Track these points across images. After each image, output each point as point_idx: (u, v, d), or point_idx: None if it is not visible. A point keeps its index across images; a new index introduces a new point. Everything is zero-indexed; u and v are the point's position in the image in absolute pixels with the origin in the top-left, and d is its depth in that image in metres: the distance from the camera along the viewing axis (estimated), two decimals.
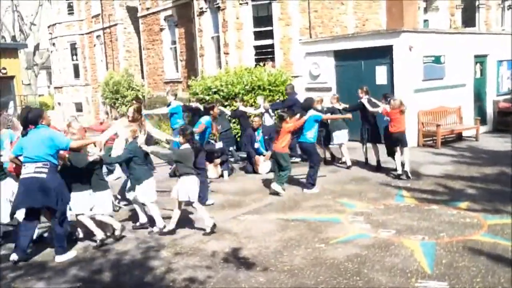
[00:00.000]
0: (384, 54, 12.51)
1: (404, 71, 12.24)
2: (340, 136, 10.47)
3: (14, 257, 5.67)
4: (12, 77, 24.13)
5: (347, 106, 10.49)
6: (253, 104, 12.38)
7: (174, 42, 21.13)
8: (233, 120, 12.35)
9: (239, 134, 12.33)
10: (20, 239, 5.74)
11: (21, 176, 5.72)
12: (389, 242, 5.84)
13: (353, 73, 13.19)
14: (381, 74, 12.71)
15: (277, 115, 9.04)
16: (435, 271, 4.95)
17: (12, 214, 5.93)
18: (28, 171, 5.64)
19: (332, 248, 5.73)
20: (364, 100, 9.89)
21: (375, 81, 12.69)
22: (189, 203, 6.56)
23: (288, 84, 12.40)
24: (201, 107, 11.39)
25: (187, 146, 6.60)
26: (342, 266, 5.20)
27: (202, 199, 7.54)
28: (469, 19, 19.62)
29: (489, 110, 14.80)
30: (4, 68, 23.60)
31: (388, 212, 7.11)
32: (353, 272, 5.01)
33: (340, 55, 13.77)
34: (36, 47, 37.83)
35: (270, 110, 11.31)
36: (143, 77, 23.57)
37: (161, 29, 21.57)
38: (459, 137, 13.22)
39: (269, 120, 11.27)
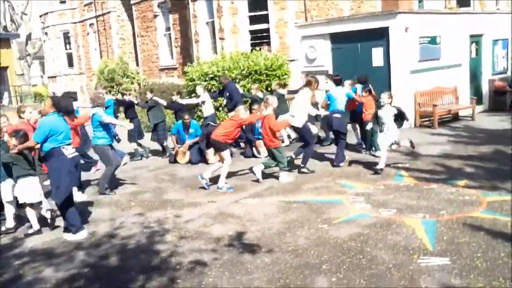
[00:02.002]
0: (380, 36, 12.50)
1: (400, 53, 12.25)
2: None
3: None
4: (5, 68, 24.05)
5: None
6: (250, 89, 12.34)
7: (168, 29, 20.99)
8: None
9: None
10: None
11: (69, 156, 6.02)
12: (390, 221, 5.93)
13: (350, 56, 13.19)
14: (377, 56, 12.71)
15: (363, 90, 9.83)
16: (436, 247, 5.04)
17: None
18: (70, 151, 6.09)
19: (334, 228, 5.82)
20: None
21: (371, 63, 12.71)
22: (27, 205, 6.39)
23: (222, 75, 12.31)
24: (135, 101, 11.56)
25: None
26: (346, 245, 5.28)
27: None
28: None
29: (485, 90, 14.88)
30: None
31: (388, 192, 7.20)
32: (356, 251, 5.10)
33: (336, 38, 13.74)
34: (28, 37, 37.47)
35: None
36: (137, 65, 23.46)
37: (155, 16, 21.41)
38: (456, 117, 13.31)
39: (209, 109, 11.45)
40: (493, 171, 7.94)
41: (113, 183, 8.54)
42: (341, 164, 8.97)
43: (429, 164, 8.65)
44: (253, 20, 15.69)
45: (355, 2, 16.51)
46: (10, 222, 6.55)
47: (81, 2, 27.39)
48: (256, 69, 12.93)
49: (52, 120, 5.99)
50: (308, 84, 8.84)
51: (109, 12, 24.59)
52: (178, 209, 7.09)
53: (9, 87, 23.39)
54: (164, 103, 11.74)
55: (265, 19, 15.46)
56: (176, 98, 11.54)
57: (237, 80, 12.68)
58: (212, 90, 12.74)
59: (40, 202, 6.50)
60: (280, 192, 7.59)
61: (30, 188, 6.28)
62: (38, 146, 6.09)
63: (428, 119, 12.64)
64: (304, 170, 8.68)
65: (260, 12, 15.46)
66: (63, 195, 5.95)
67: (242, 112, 8.27)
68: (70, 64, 28.84)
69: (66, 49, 28.96)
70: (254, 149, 10.51)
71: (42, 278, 4.95)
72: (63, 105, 6.16)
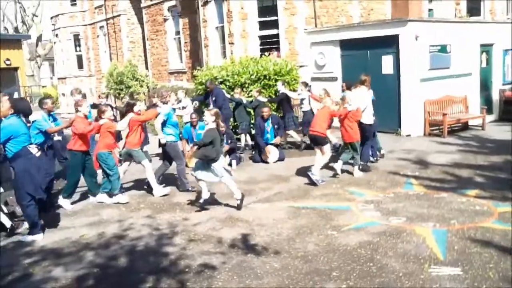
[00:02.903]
0: (390, 43, 12.48)
1: (410, 61, 12.22)
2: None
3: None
4: (16, 69, 24.19)
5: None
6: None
7: (178, 33, 21.11)
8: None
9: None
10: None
11: (37, 155, 6.14)
12: (400, 229, 5.90)
13: (359, 63, 13.15)
14: (387, 64, 12.69)
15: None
16: (447, 257, 5.00)
17: None
18: (35, 150, 6.17)
19: (344, 235, 5.79)
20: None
21: (381, 70, 12.69)
22: None
23: (208, 80, 12.39)
24: (113, 104, 11.46)
25: None
26: (355, 252, 5.25)
27: None
28: (474, 8, 19.54)
29: (495, 99, 14.79)
30: (8, 59, 23.62)
31: (397, 200, 7.16)
32: (366, 259, 5.07)
33: (346, 45, 13.75)
34: (39, 39, 37.79)
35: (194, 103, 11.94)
36: (147, 68, 23.57)
37: (165, 20, 21.54)
38: (465, 126, 13.24)
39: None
40: (503, 181, 7.88)
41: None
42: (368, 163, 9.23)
43: (438, 173, 8.60)
44: (263, 25, 15.75)
45: (365, 9, 16.54)
46: None
47: (92, 4, 27.59)
48: (265, 74, 12.95)
49: (12, 122, 6.05)
50: (363, 82, 9.25)
51: (119, 15, 24.76)
52: (187, 212, 7.09)
53: (19, 87, 23.48)
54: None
55: (275, 24, 15.51)
56: (156, 100, 11.48)
57: (246, 85, 12.70)
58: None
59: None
60: (289, 198, 7.57)
61: None
62: None
63: (437, 128, 12.58)
64: (365, 166, 8.98)
65: (270, 18, 15.52)
66: (36, 193, 6.05)
67: (329, 102, 8.58)
68: (80, 66, 29.02)
69: (76, 51, 29.16)
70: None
71: (52, 277, 4.97)
72: (21, 108, 6.26)
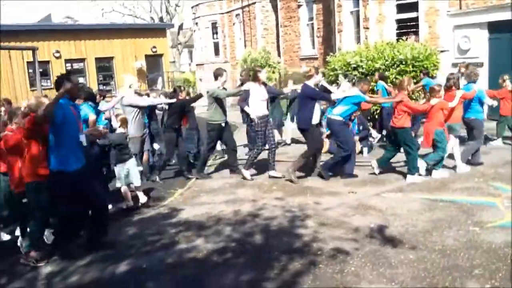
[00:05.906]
0: None
1: None
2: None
3: None
4: (161, 55, 26.44)
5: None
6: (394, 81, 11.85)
7: (311, 19, 21.13)
8: None
9: None
10: None
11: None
12: None
13: (510, 47, 11.95)
14: None
15: None
16: None
17: None
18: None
19: (487, 232, 5.38)
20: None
21: None
22: None
23: (244, 69, 11.69)
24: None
25: None
26: (501, 251, 4.85)
27: None
28: None
29: None
30: (154, 47, 25.88)
31: None
32: None
33: (496, 27, 12.58)
34: (180, 27, 40.60)
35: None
36: (279, 54, 24.02)
37: (299, 6, 21.68)
38: None
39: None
40: None
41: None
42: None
43: None
44: (400, 8, 15.05)
45: None
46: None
47: None
48: (401, 59, 12.39)
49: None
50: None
51: (254, 3, 25.51)
52: (318, 196, 7.16)
53: (163, 73, 25.64)
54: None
55: (413, 7, 14.73)
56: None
57: (380, 71, 12.28)
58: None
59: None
60: (424, 189, 7.23)
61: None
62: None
63: None
64: None
65: (409, 0, 14.76)
66: None
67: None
68: (217, 52, 30.59)
69: (213, 38, 30.78)
70: None
71: (195, 247, 5.41)
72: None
